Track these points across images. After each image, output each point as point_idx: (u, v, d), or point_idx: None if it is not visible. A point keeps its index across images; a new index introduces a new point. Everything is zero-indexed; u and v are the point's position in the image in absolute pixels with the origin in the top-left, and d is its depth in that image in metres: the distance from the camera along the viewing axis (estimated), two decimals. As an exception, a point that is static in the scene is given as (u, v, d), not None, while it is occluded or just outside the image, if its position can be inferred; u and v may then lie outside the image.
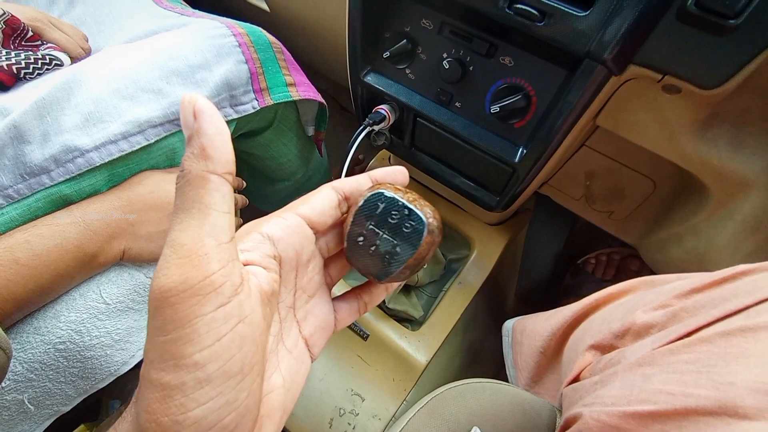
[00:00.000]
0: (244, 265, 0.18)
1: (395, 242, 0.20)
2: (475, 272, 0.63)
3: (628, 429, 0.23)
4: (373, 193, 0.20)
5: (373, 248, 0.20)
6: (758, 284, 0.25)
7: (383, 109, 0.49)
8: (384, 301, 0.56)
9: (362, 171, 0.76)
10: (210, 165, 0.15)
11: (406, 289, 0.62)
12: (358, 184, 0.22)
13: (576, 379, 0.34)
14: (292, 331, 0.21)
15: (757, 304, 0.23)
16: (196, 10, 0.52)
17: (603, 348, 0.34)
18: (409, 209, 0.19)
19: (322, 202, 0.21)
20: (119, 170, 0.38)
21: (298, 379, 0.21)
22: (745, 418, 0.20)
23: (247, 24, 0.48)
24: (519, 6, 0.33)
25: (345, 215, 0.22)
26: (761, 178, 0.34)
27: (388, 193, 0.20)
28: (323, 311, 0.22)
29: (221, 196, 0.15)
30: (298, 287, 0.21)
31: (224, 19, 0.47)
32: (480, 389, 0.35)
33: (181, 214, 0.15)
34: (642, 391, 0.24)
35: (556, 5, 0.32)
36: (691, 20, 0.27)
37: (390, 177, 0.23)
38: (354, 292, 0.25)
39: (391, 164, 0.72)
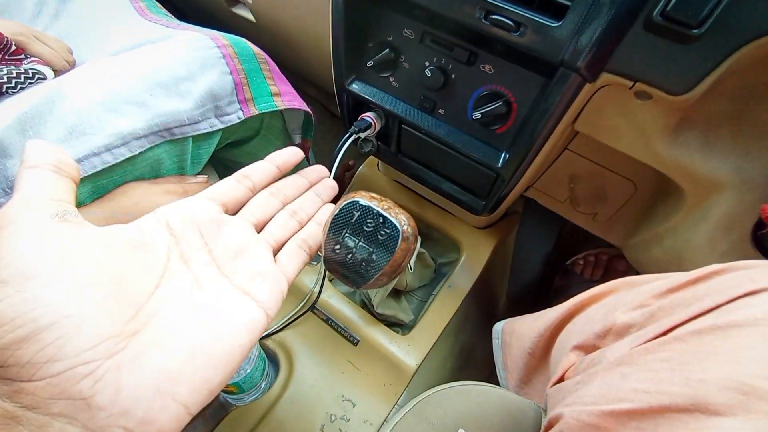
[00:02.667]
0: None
1: (371, 249, 0.20)
2: (464, 275, 0.63)
3: (607, 427, 0.24)
4: (348, 201, 0.21)
5: (349, 256, 0.21)
6: (729, 283, 0.25)
7: (369, 116, 0.50)
8: (374, 306, 0.56)
9: (353, 176, 0.77)
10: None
11: (396, 294, 0.62)
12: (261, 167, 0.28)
13: (561, 380, 0.35)
14: (216, 283, 0.22)
15: (727, 302, 0.24)
16: (182, 22, 0.52)
17: (586, 348, 0.35)
18: (384, 217, 0.20)
19: (220, 182, 0.27)
20: (103, 182, 0.38)
21: (226, 326, 0.20)
22: (716, 415, 0.20)
23: (232, 35, 0.48)
24: (495, 17, 0.34)
25: (252, 189, 0.27)
26: (732, 180, 0.35)
27: (363, 202, 0.20)
28: (258, 262, 0.23)
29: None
30: (214, 247, 0.23)
31: (209, 30, 0.48)
32: (466, 392, 0.35)
33: None
34: (619, 390, 0.25)
35: (529, 16, 0.32)
36: (657, 30, 0.29)
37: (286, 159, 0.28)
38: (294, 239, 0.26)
39: (379, 170, 0.73)
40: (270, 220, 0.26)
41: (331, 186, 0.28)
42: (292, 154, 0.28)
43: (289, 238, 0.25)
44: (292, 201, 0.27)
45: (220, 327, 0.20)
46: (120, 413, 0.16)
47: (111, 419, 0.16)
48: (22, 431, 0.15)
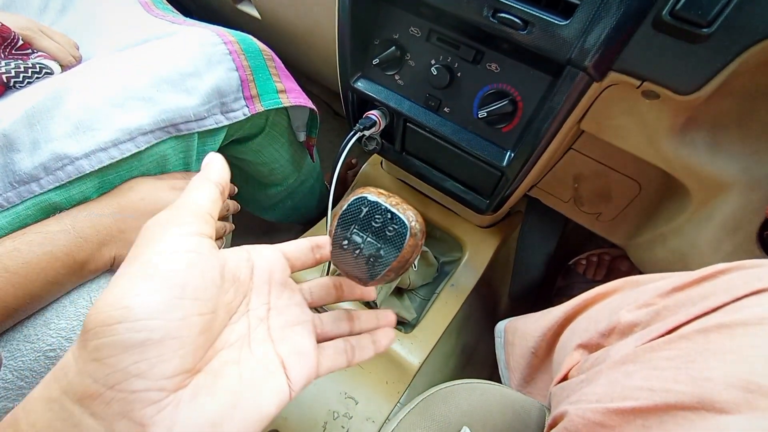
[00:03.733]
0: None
1: (379, 245, 0.20)
2: (467, 274, 0.64)
3: (612, 425, 0.24)
4: (356, 197, 0.21)
5: (357, 251, 0.21)
6: (735, 282, 0.25)
7: (374, 114, 0.50)
8: (377, 304, 0.56)
9: (355, 175, 0.77)
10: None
11: (399, 292, 0.62)
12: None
13: (564, 378, 0.35)
14: (263, 343, 0.22)
15: (733, 301, 0.24)
16: (188, 19, 0.52)
17: (590, 347, 0.35)
18: (392, 213, 0.20)
19: (297, 243, 0.27)
20: (109, 177, 0.38)
21: (261, 390, 0.21)
22: (721, 412, 0.20)
23: (238, 32, 0.48)
24: (502, 15, 0.34)
25: (319, 259, 0.26)
26: (738, 180, 0.35)
27: (371, 197, 0.20)
28: (302, 341, 0.24)
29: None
30: (273, 306, 0.24)
31: (215, 27, 0.48)
32: (470, 389, 0.35)
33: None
34: (624, 387, 0.25)
35: (537, 14, 0.32)
36: (666, 29, 0.28)
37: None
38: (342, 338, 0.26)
39: (383, 168, 0.73)
40: (322, 307, 0.27)
41: (390, 338, 0.28)
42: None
43: (332, 337, 0.26)
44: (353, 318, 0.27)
45: (258, 389, 0.21)
46: None
47: None
48: None
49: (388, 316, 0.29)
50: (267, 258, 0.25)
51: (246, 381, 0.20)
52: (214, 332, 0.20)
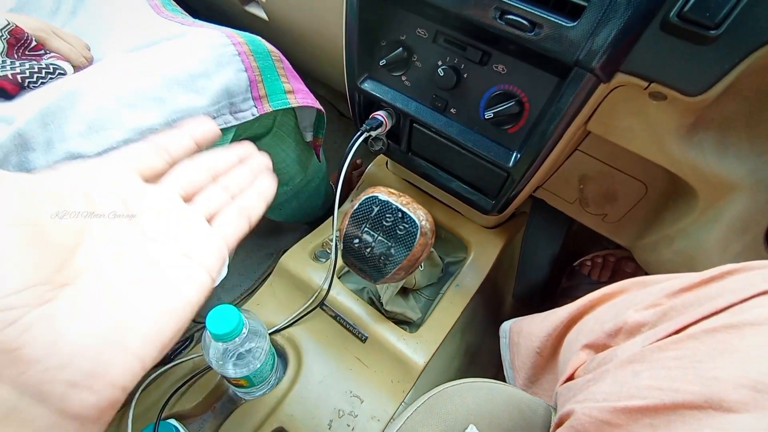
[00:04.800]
0: None
1: (390, 244, 0.21)
2: (472, 275, 0.64)
3: (619, 424, 0.24)
4: (367, 196, 0.21)
5: (368, 250, 0.21)
6: (743, 283, 0.25)
7: (380, 115, 0.50)
8: (382, 304, 0.56)
9: (361, 175, 0.77)
10: None
11: (404, 292, 0.62)
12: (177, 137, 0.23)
13: (570, 378, 0.35)
14: (149, 251, 0.18)
15: (741, 302, 0.24)
16: (197, 20, 0.53)
17: (596, 347, 0.35)
18: (403, 212, 0.20)
19: (138, 152, 0.21)
20: (121, 176, 0.38)
21: (174, 278, 0.18)
22: (730, 412, 0.21)
23: (247, 33, 0.49)
24: (510, 17, 0.34)
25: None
26: (746, 181, 0.35)
27: (382, 197, 0.21)
28: (192, 227, 0.20)
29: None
30: (143, 215, 0.20)
31: (224, 28, 0.48)
32: (476, 388, 0.35)
33: None
34: (632, 387, 0.25)
35: (545, 16, 0.33)
36: (674, 30, 0.29)
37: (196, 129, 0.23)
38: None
39: (388, 168, 0.73)
40: (198, 192, 0.22)
41: (265, 164, 0.24)
42: (208, 129, 0.23)
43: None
44: (222, 175, 0.23)
45: (167, 282, 0.17)
46: (59, 366, 0.14)
47: (48, 373, 0.13)
48: None
49: (242, 145, 0.24)
50: (103, 180, 0.19)
51: (149, 280, 0.17)
52: (52, 246, 0.15)
